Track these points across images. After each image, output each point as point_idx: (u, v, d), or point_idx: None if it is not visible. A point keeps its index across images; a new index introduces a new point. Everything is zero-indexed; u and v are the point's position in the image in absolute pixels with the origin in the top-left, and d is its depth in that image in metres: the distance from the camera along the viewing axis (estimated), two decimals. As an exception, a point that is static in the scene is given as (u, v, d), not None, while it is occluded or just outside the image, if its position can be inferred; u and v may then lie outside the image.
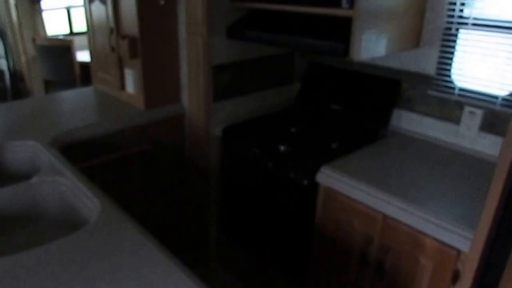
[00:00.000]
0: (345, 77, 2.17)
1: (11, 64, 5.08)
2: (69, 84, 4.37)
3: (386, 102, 2.00)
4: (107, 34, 2.37)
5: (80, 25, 5.26)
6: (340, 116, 2.15)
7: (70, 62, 4.27)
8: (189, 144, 2.31)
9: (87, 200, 1.42)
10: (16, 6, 4.55)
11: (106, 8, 2.29)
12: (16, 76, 5.11)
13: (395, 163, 1.70)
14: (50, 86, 4.52)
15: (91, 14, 2.50)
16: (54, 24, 4.96)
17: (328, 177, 1.64)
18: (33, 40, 4.34)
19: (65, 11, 5.12)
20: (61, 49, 4.26)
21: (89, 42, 2.65)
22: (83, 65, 4.31)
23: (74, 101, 2.57)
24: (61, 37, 4.35)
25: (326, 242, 1.74)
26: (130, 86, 2.30)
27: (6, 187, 1.52)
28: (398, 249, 1.47)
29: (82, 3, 4.58)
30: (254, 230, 2.14)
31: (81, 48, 4.42)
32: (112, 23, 2.27)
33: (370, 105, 2.05)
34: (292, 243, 1.94)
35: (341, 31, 1.61)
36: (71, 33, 5.18)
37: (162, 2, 2.11)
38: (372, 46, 1.66)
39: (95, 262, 1.08)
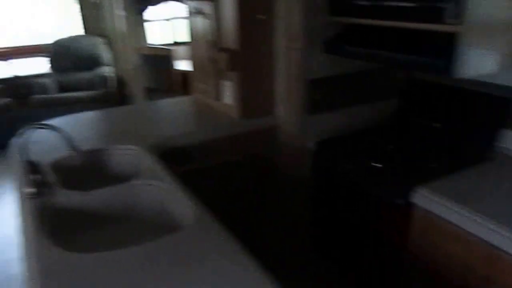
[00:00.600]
0: (447, 94, 2.06)
1: (117, 71, 5.53)
2: (168, 91, 4.65)
3: (493, 121, 1.86)
4: (207, 47, 2.48)
5: (182, 36, 5.57)
6: (440, 135, 2.04)
7: (169, 70, 4.54)
8: (281, 156, 2.34)
9: (182, 205, 1.50)
10: (125, 17, 4.94)
11: (208, 22, 2.40)
12: (121, 82, 5.55)
13: (504, 189, 1.58)
14: (150, 92, 4.83)
15: (193, 26, 2.64)
16: (158, 35, 5.31)
17: (426, 199, 1.56)
18: (138, 49, 4.68)
19: (168, 22, 5.46)
20: (162, 58, 4.55)
21: (190, 53, 2.80)
22: (182, 73, 4.57)
23: (174, 109, 2.72)
24: (162, 47, 4.64)
25: (420, 267, 1.66)
26: (227, 97, 2.38)
27: (110, 187, 1.66)
28: (504, 283, 1.36)
29: (184, 15, 4.86)
30: (343, 247, 2.10)
31: (182, 58, 4.68)
32: (212, 36, 2.38)
33: (474, 124, 1.93)
34: (383, 264, 1.87)
35: (443, 46, 1.53)
36: (174, 43, 5.50)
37: (261, 17, 2.17)
38: (480, 63, 1.55)
39: (190, 264, 1.14)
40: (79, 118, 2.58)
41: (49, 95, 5.10)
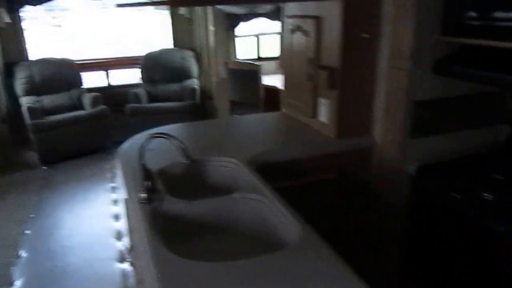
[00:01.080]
0: None
1: (204, 84, 5.74)
2: (253, 106, 4.72)
3: None
4: (304, 63, 2.48)
5: (267, 51, 5.67)
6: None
7: (256, 85, 4.62)
8: (377, 178, 2.26)
9: (285, 221, 1.48)
10: (215, 32, 5.13)
11: (307, 39, 2.41)
12: (206, 94, 5.74)
13: None
14: (235, 106, 4.94)
15: (289, 43, 2.65)
16: (244, 50, 5.45)
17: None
18: (225, 63, 4.82)
19: (255, 38, 5.58)
20: (249, 73, 4.64)
21: (283, 69, 2.82)
22: (268, 89, 4.63)
23: (265, 124, 2.75)
24: (250, 62, 4.73)
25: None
26: (323, 115, 2.36)
27: (213, 199, 1.69)
28: None
29: (271, 31, 4.86)
30: (445, 281, 1.97)
31: (267, 73, 4.75)
32: (312, 54, 2.38)
33: None
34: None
35: None
36: (259, 58, 5.61)
37: (366, 36, 2.14)
38: None
39: (299, 284, 1.12)
40: (172, 129, 2.69)
41: (141, 105, 5.40)
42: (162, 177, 1.83)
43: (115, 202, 4.00)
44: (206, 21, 5.30)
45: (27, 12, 5.53)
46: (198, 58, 5.88)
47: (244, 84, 4.74)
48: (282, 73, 3.38)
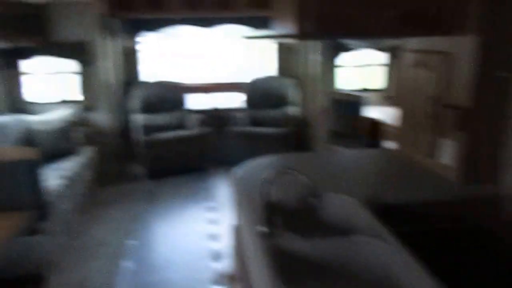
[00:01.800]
0: None
1: (303, 112, 5.73)
2: (353, 137, 4.61)
3: None
4: (425, 100, 2.35)
5: (370, 83, 5.54)
6: None
7: (357, 116, 4.51)
8: (505, 232, 2.04)
9: (412, 273, 1.37)
10: (319, 62, 5.12)
11: (431, 75, 2.28)
12: (305, 122, 5.73)
13: None
14: (334, 136, 4.86)
15: (406, 77, 2.54)
16: (346, 80, 5.37)
17: None
18: (327, 93, 4.78)
19: (359, 69, 5.49)
20: (351, 103, 4.55)
21: (398, 104, 2.70)
22: (371, 121, 4.50)
23: (377, 161, 2.64)
24: (352, 93, 4.65)
25: None
26: (446, 157, 2.20)
27: (331, 238, 1.62)
28: None
29: (376, 62, 4.72)
30: None
31: (369, 104, 4.62)
32: (436, 91, 2.25)
33: None
34: None
35: None
36: (360, 89, 5.50)
37: (502, 74, 1.96)
38: None
39: None
40: (277, 159, 2.69)
41: (242, 128, 5.53)
42: (279, 210, 1.81)
43: (211, 221, 4.09)
44: (309, 50, 5.32)
45: (145, 37, 5.99)
46: (300, 86, 5.91)
47: (345, 115, 4.66)
48: (393, 107, 3.26)
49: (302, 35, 1.95)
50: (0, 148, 3.14)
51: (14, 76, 4.68)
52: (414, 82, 2.49)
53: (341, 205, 1.95)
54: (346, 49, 5.06)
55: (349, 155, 2.92)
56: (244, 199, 2.01)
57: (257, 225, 1.62)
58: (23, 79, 4.81)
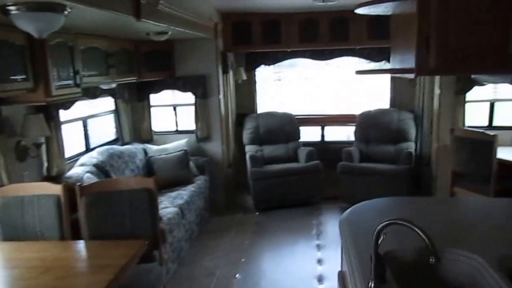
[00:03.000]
0: None
1: (422, 149, 5.33)
2: (481, 180, 4.13)
3: None
4: None
5: (502, 119, 4.98)
6: None
7: (488, 157, 4.03)
8: None
9: None
10: (441, 95, 4.74)
11: None
12: (423, 160, 5.31)
13: None
14: (458, 177, 4.41)
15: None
16: (473, 116, 4.88)
17: None
18: (452, 130, 4.38)
19: (487, 104, 4.97)
20: (480, 142, 4.10)
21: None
22: (502, 163, 4.00)
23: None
24: (482, 131, 4.19)
25: None
26: None
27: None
28: None
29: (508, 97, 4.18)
30: None
31: (502, 144, 4.12)
32: None
33: None
34: None
35: None
36: (490, 126, 4.96)
37: None
38: None
39: None
40: (390, 202, 2.47)
41: (353, 163, 5.32)
42: (393, 264, 1.63)
43: (319, 261, 3.92)
44: (432, 82, 4.96)
45: (259, 71, 6.16)
46: (417, 121, 5.54)
47: (473, 155, 4.20)
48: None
49: (420, 70, 1.78)
50: (123, 178, 3.40)
51: (143, 108, 5.10)
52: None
53: (466, 264, 1.70)
54: (477, 83, 4.61)
55: (479, 204, 2.57)
56: (352, 246, 1.86)
57: (363, 275, 1.47)
58: (151, 111, 5.22)
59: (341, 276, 2.24)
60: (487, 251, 1.71)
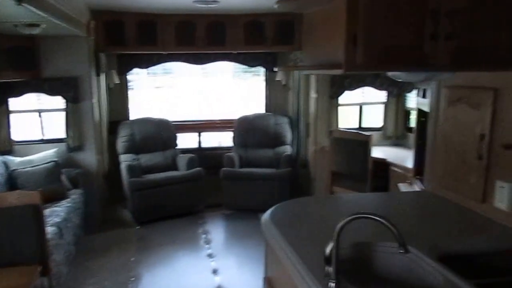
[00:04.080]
0: None
1: (300, 152, 5.54)
2: (358, 179, 4.44)
3: None
4: (470, 139, 2.21)
5: (368, 121, 5.47)
6: None
7: (364, 157, 4.36)
8: None
9: None
10: (316, 100, 5.00)
11: (476, 113, 2.15)
12: (301, 163, 5.53)
13: None
14: (336, 177, 4.68)
15: (447, 115, 2.42)
16: (344, 119, 5.26)
17: None
18: (330, 132, 4.63)
19: (358, 107, 5.41)
20: (356, 143, 4.41)
21: (435, 143, 2.56)
22: (375, 161, 4.37)
23: (416, 206, 2.45)
24: (359, 132, 4.52)
25: None
26: (502, 201, 2.03)
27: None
28: None
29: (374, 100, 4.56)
30: None
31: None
32: (485, 129, 2.11)
33: None
34: None
35: None
36: (360, 128, 5.40)
37: None
38: None
39: None
40: (302, 203, 2.46)
41: (235, 169, 5.28)
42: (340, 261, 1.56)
43: (215, 272, 3.75)
44: (308, 87, 5.21)
45: (132, 75, 5.75)
46: (292, 125, 5.76)
47: (350, 155, 4.50)
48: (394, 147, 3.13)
49: (348, 66, 1.78)
50: (1, 194, 2.74)
51: (1, 114, 4.29)
52: (454, 120, 2.36)
53: (402, 254, 1.72)
54: (347, 87, 4.98)
55: (383, 199, 2.71)
56: (289, 249, 1.75)
57: (316, 277, 1.38)
58: (11, 117, 4.41)
59: (268, 282, 2.12)
60: (415, 242, 1.77)
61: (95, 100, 4.57)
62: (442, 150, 2.61)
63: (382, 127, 5.36)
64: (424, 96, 3.49)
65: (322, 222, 2.03)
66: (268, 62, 5.81)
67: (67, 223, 3.59)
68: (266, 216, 2.19)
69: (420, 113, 3.79)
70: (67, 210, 3.72)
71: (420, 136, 3.88)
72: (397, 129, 5.29)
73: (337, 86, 4.92)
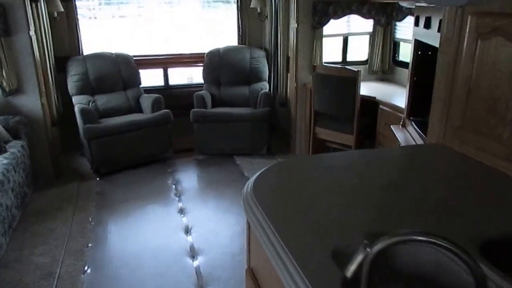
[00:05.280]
0: None
1: (279, 89, 4.97)
2: (343, 119, 3.97)
3: None
4: (505, 84, 1.71)
5: (353, 54, 4.89)
6: None
7: (351, 95, 3.85)
8: None
9: None
10: (296, 31, 4.35)
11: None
12: (280, 101, 4.97)
13: None
14: (320, 117, 4.20)
15: (473, 51, 1.89)
16: (328, 52, 4.66)
17: None
18: (314, 67, 4.06)
19: (342, 39, 4.79)
20: (343, 79, 3.88)
21: (457, 88, 2.05)
22: (362, 99, 3.87)
23: (432, 167, 1.89)
24: (344, 67, 3.96)
25: None
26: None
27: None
28: None
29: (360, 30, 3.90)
30: None
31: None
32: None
33: None
34: None
35: None
36: (344, 61, 4.83)
37: None
38: None
39: None
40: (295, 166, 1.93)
41: (207, 110, 4.71)
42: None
43: (187, 230, 3.31)
44: (288, 16, 4.52)
45: (83, 1, 4.90)
46: (269, 59, 5.13)
47: (335, 93, 3.97)
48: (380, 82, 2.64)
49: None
50: None
51: None
52: (485, 58, 1.84)
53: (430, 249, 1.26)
54: (335, 15, 4.32)
55: (390, 158, 2.14)
56: (269, 237, 1.26)
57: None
58: None
59: (250, 274, 1.65)
60: (446, 228, 1.30)
61: (32, 33, 3.77)
62: (462, 95, 2.13)
63: (367, 60, 4.80)
64: (427, 26, 2.92)
65: (320, 201, 1.52)
66: (242, -15, 5.05)
67: (4, 184, 3.00)
68: (247, 188, 1.66)
69: (419, 45, 3.25)
70: (5, 167, 3.11)
71: (416, 72, 3.40)
72: (384, 62, 4.74)
73: (320, 14, 4.26)
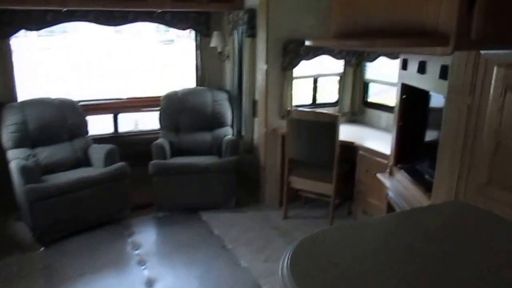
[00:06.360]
0: None
1: (245, 136, 4.61)
2: (322, 166, 3.67)
3: None
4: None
5: (322, 95, 4.68)
6: None
7: (330, 141, 3.58)
8: None
9: None
10: (266, 72, 4.06)
11: None
12: (245, 148, 4.60)
13: None
14: (295, 165, 3.88)
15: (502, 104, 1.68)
16: (298, 94, 4.40)
17: None
18: (288, 112, 3.77)
19: (312, 81, 4.56)
20: (320, 124, 3.62)
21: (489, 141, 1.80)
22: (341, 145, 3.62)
23: (465, 230, 1.60)
24: (324, 111, 3.71)
25: None
26: None
27: None
28: None
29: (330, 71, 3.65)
30: None
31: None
32: None
33: None
34: None
35: None
36: (314, 104, 4.59)
37: None
38: None
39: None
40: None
41: (167, 161, 4.23)
42: None
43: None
44: (254, 56, 4.22)
45: (19, 38, 4.32)
46: (232, 102, 4.78)
47: (312, 139, 3.69)
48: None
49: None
50: None
51: None
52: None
53: None
54: (305, 56, 4.08)
55: (420, 224, 1.79)
56: None
57: None
58: None
59: None
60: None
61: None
62: (489, 149, 1.91)
63: (337, 101, 4.61)
64: (421, 71, 2.73)
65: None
66: (200, 24, 4.71)
67: None
68: (284, 266, 1.21)
69: (407, 89, 3.07)
70: None
71: (402, 116, 3.22)
72: (354, 104, 4.57)
73: (292, 55, 4.00)
